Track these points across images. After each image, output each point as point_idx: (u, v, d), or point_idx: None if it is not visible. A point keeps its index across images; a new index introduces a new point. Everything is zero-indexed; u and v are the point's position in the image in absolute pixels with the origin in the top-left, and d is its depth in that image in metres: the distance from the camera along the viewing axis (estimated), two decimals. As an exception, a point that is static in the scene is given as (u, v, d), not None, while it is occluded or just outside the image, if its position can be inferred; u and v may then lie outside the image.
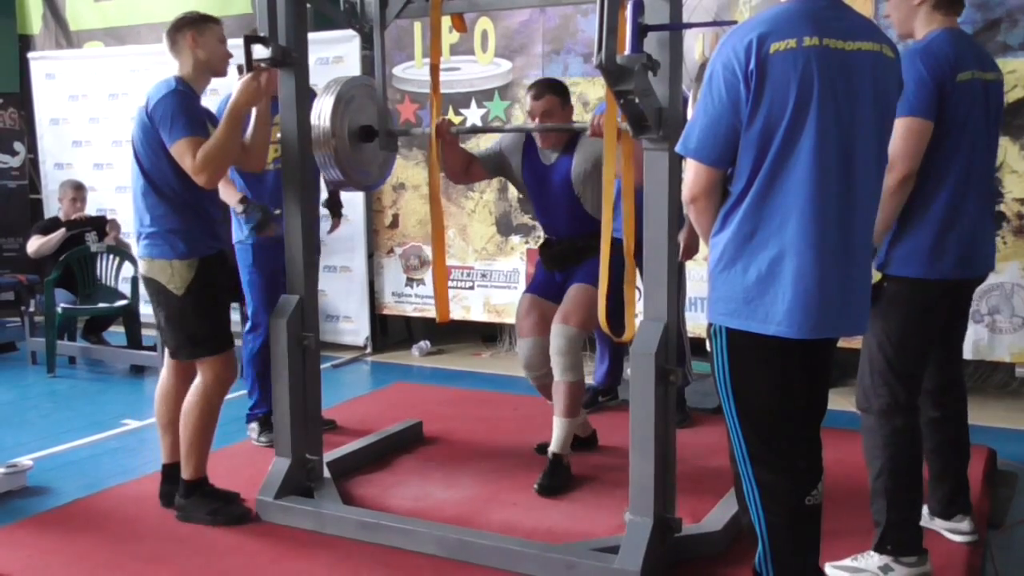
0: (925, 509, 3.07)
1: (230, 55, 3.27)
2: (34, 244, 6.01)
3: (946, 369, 2.95)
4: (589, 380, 4.87)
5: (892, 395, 2.72)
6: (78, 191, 6.22)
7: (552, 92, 3.61)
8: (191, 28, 3.19)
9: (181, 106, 3.07)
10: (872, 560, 2.74)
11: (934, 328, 2.77)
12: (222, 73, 3.28)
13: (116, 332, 6.30)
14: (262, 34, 3.17)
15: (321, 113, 3.35)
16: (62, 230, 5.97)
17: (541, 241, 3.90)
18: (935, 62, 2.58)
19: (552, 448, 3.58)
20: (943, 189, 2.65)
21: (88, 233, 6.05)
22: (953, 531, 3.03)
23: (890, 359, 2.71)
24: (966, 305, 2.97)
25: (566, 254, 3.72)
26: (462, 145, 3.73)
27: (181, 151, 3.04)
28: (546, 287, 3.78)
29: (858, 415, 2.85)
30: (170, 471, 3.39)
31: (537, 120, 3.59)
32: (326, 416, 4.48)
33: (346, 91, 3.42)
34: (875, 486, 2.75)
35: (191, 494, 3.25)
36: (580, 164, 3.60)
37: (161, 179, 3.13)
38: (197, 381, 3.25)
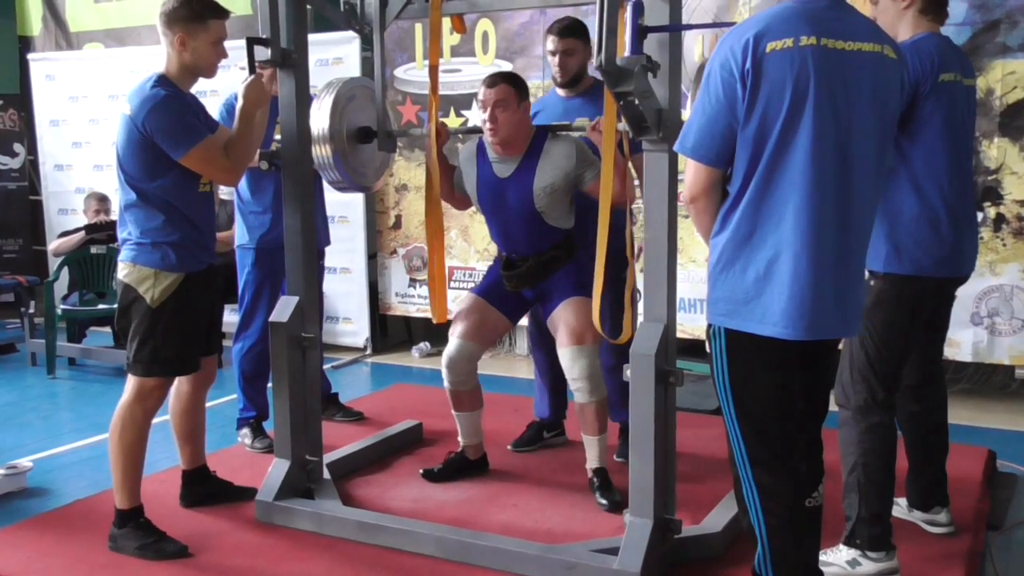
0: (904, 501, 3.09)
1: (223, 56, 3.06)
2: (55, 243, 6.20)
3: (927, 365, 2.99)
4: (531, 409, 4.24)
5: (870, 392, 2.74)
6: (101, 203, 6.27)
7: (507, 82, 3.31)
8: (182, 27, 2.93)
9: (176, 113, 2.90)
10: (841, 554, 2.76)
11: (918, 327, 2.78)
12: (209, 76, 3.07)
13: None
14: (263, 36, 3.15)
15: (319, 114, 3.35)
16: (82, 232, 6.08)
17: (503, 259, 3.54)
18: (918, 61, 2.62)
19: (596, 464, 3.43)
20: (928, 188, 2.66)
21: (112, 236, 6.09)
22: (930, 523, 3.05)
23: (871, 356, 2.72)
24: (949, 304, 2.99)
25: (534, 272, 3.43)
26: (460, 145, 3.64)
27: (206, 156, 2.92)
28: (499, 296, 3.52)
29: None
30: (189, 476, 3.41)
31: (488, 111, 3.28)
32: (354, 407, 4.61)
33: (345, 92, 3.41)
34: (848, 480, 2.77)
35: (124, 524, 3.04)
36: (545, 178, 3.32)
37: (155, 191, 2.95)
38: (123, 399, 3.04)
